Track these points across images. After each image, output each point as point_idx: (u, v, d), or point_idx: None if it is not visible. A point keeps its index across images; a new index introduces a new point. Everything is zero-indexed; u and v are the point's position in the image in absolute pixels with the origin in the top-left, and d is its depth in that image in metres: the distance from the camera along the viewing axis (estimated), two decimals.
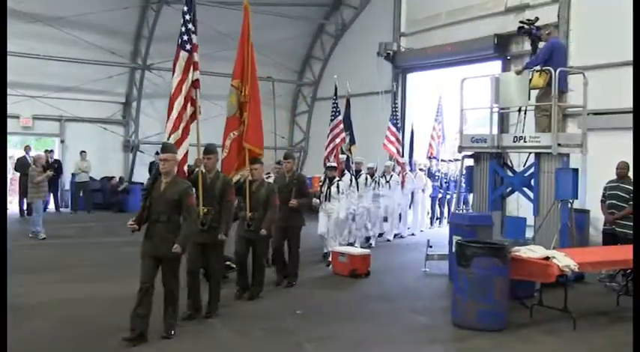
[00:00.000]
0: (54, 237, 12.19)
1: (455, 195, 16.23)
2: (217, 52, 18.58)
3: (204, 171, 6.83)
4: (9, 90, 12.91)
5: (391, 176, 13.05)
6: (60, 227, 13.61)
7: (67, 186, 17.65)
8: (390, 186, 12.91)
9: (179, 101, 6.88)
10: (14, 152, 18.13)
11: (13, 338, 5.14)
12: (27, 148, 16.80)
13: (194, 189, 6.53)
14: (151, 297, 5.73)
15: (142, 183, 14.63)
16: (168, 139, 6.65)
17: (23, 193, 15.54)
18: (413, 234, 14.37)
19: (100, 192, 18.02)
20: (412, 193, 14.56)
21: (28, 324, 6.30)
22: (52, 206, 17.02)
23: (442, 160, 16.70)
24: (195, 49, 7.16)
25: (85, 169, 17.13)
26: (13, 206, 16.29)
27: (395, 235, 13.66)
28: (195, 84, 7.10)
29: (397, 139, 14.44)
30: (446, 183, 16.40)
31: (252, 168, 7.63)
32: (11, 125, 15.64)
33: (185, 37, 7.17)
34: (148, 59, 18.25)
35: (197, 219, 6.27)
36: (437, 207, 16.42)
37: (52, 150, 17.22)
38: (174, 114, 6.81)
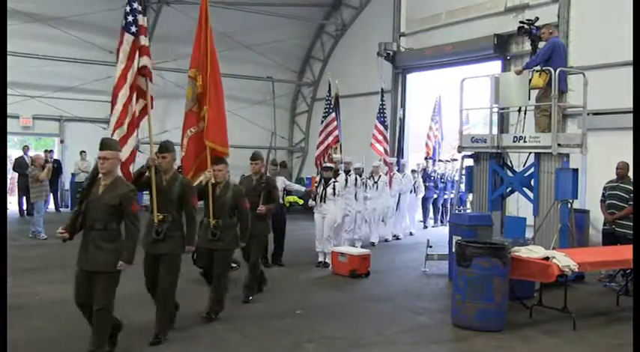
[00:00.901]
0: (54, 236, 12.14)
1: (452, 195, 16.28)
2: (217, 51, 18.59)
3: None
4: (9, 91, 12.91)
5: (379, 177, 12.53)
6: (60, 227, 13.57)
7: (67, 186, 17.65)
8: (377, 188, 12.39)
9: (124, 92, 6.05)
10: (12, 152, 18.12)
11: (13, 337, 5.14)
12: (25, 148, 16.80)
13: (148, 193, 5.97)
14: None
15: None
16: (112, 136, 5.84)
17: (22, 193, 15.56)
18: (398, 238, 13.61)
19: None
20: (399, 195, 13.78)
21: (28, 324, 6.30)
22: (52, 206, 17.01)
23: (439, 160, 16.49)
24: (142, 32, 6.27)
25: (85, 169, 17.10)
26: (12, 206, 16.30)
27: (385, 240, 13.10)
28: (143, 72, 6.20)
29: (385, 138, 14.27)
30: (442, 183, 16.09)
31: (215, 170, 6.66)
32: (11, 125, 15.64)
33: (130, 18, 6.26)
34: None
35: (138, 228, 5.23)
36: (431, 208, 16.06)
37: (51, 150, 17.24)
38: (119, 107, 6.00)
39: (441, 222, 16.15)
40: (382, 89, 15.06)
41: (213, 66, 6.79)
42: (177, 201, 5.87)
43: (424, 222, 16.00)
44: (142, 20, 6.32)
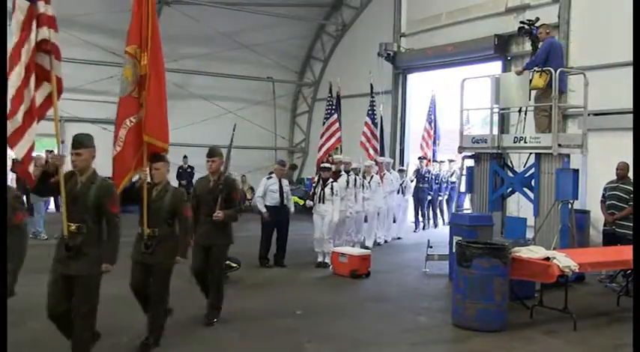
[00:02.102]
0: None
1: (446, 197, 16.03)
2: (217, 52, 18.63)
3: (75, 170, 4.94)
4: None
5: (372, 177, 12.06)
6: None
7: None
8: (370, 188, 11.83)
9: (17, 72, 4.75)
10: (10, 152, 18.08)
11: (13, 338, 5.13)
12: None
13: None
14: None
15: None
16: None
17: (22, 194, 15.53)
18: (386, 241, 12.96)
19: None
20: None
21: (28, 324, 6.29)
22: (52, 206, 17.00)
23: (434, 161, 16.10)
24: None
25: None
26: None
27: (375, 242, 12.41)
28: (43, 47, 4.90)
29: (374, 136, 14.17)
30: (437, 184, 15.53)
31: (153, 168, 5.67)
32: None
33: None
34: None
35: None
36: (425, 209, 15.37)
37: (52, 151, 17.22)
38: (12, 92, 4.74)
39: (434, 224, 15.60)
40: (371, 85, 15.07)
41: (155, 44, 5.67)
42: (93, 209, 4.80)
43: (415, 225, 15.24)
44: None
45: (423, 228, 15.12)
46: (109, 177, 5.31)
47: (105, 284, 5.02)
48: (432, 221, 15.69)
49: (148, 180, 5.65)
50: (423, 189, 15.11)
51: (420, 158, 15.82)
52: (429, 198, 15.39)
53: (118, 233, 4.91)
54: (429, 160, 15.88)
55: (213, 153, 6.67)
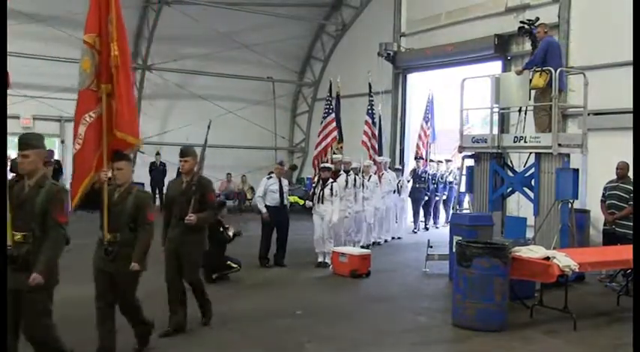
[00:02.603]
0: None
1: (444, 197, 15.82)
2: (217, 52, 18.63)
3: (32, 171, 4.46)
4: (9, 91, 12.90)
5: (370, 176, 12.02)
6: None
7: (68, 186, 17.60)
8: (368, 188, 11.75)
9: None
10: (12, 153, 18.10)
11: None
12: None
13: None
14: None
15: (142, 184, 14.56)
16: None
17: None
18: (386, 241, 12.92)
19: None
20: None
21: None
22: None
23: (430, 161, 15.79)
24: None
25: None
26: None
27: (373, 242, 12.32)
28: None
29: (373, 135, 14.12)
30: (434, 184, 15.17)
31: (115, 168, 5.20)
32: (11, 125, 15.47)
33: None
34: (149, 59, 18.31)
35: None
36: (421, 210, 15.10)
37: (52, 150, 17.23)
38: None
39: (435, 225, 15.44)
40: (370, 84, 15.07)
41: (120, 33, 5.25)
42: (40, 216, 4.34)
43: (415, 225, 14.93)
44: None
45: (419, 229, 14.89)
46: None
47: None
48: (429, 221, 15.46)
49: (109, 178, 5.19)
50: (420, 189, 14.80)
51: (416, 158, 15.66)
52: (426, 198, 15.09)
53: (57, 242, 4.38)
54: (426, 160, 15.65)
55: (185, 152, 6.21)
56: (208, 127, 6.66)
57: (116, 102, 5.19)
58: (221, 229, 8.58)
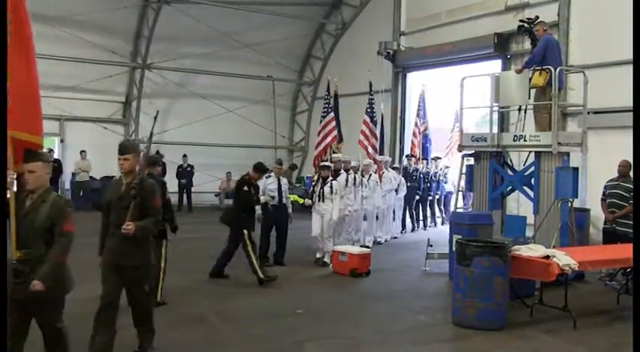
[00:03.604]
0: None
1: (437, 197, 15.56)
2: (217, 51, 18.62)
3: None
4: None
5: (370, 175, 11.91)
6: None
7: (68, 186, 17.65)
8: (368, 187, 11.66)
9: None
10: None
11: None
12: None
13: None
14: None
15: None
16: None
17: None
18: (386, 240, 12.80)
19: (100, 192, 18.01)
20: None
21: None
22: None
23: (423, 159, 15.57)
24: None
25: (86, 169, 17.12)
26: None
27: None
28: None
29: (373, 134, 14.05)
30: (426, 183, 14.76)
31: (27, 171, 4.35)
32: None
33: None
34: (148, 58, 18.32)
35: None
36: (414, 210, 14.64)
37: (52, 150, 17.24)
38: None
39: (429, 224, 15.04)
40: (370, 83, 15.04)
41: (17, 14, 4.34)
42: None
43: (402, 226, 14.22)
44: None
45: (412, 230, 14.46)
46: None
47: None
48: (425, 221, 15.02)
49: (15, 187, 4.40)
50: (412, 188, 14.17)
51: (407, 156, 15.43)
52: (417, 197, 14.60)
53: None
54: (418, 158, 15.35)
55: (124, 149, 5.10)
56: (155, 119, 5.70)
57: (10, 89, 4.18)
58: (245, 188, 8.53)
